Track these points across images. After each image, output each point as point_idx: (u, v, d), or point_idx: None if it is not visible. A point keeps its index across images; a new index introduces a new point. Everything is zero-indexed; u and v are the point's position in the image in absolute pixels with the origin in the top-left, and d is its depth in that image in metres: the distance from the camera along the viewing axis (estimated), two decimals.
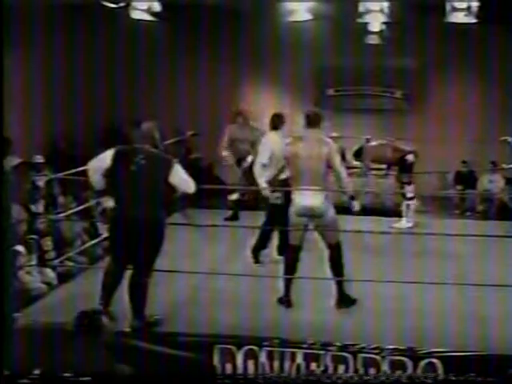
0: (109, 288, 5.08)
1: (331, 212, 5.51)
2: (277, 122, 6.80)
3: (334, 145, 5.59)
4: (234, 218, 8.41)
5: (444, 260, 6.75)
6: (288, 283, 5.60)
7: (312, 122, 5.57)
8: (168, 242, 5.08)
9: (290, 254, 5.65)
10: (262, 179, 6.57)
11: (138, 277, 4.99)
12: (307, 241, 5.72)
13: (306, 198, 5.42)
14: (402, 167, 8.47)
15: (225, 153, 8.53)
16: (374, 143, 9.14)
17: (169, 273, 5.41)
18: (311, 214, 5.47)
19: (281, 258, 6.43)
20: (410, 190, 8.39)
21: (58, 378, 4.31)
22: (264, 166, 6.59)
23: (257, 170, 6.72)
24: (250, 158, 8.12)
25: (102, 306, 5.05)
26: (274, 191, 6.24)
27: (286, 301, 5.57)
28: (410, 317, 5.38)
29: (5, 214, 4.88)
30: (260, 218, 6.93)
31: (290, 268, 5.62)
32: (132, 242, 4.94)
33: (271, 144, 6.62)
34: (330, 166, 5.45)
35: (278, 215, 6.13)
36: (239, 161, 8.43)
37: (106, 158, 4.99)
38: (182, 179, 5.00)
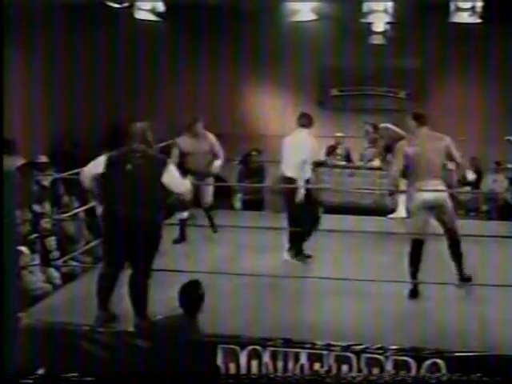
0: (105, 291, 5.07)
1: (449, 200, 5.92)
2: (306, 121, 6.78)
3: (449, 138, 6.05)
4: (182, 239, 7.54)
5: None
6: (414, 273, 5.82)
7: None
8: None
9: (415, 250, 5.82)
10: (304, 174, 6.58)
11: (137, 277, 4.99)
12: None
13: (430, 191, 5.74)
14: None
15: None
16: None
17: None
18: (437, 205, 5.81)
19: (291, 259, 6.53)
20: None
21: (60, 378, 4.33)
22: (305, 161, 6.57)
23: (297, 165, 6.57)
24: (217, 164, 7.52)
25: (101, 310, 5.06)
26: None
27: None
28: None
29: (10, 214, 4.88)
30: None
31: (416, 263, 5.81)
32: (128, 243, 4.94)
33: (309, 141, 6.69)
34: (450, 158, 5.98)
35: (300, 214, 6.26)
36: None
37: (99, 164, 5.02)
38: (174, 179, 5.00)
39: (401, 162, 5.92)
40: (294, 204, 6.52)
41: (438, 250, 6.19)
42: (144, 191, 4.92)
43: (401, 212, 8.43)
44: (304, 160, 6.55)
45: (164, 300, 5.20)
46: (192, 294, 4.47)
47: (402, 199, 8.41)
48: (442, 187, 5.88)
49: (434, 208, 5.84)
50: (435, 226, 6.08)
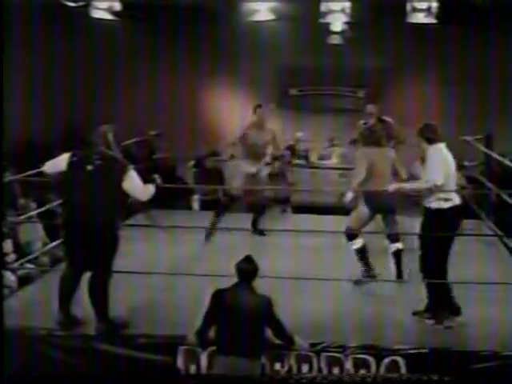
0: (66, 293, 5.02)
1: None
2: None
3: None
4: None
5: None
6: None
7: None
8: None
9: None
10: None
11: (96, 279, 4.95)
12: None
13: None
14: None
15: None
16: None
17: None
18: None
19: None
20: None
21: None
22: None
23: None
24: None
25: (62, 313, 5.00)
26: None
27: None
28: None
29: None
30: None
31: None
32: (85, 244, 4.90)
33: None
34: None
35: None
36: None
37: (61, 161, 4.99)
38: (135, 185, 4.97)
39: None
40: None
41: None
42: (102, 193, 4.89)
43: None
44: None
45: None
46: (248, 266, 4.54)
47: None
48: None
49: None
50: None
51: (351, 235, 6.07)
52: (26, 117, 10.94)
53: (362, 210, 6.07)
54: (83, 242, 4.89)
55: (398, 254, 6.05)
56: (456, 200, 5.25)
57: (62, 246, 5.26)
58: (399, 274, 6.01)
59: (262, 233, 7.77)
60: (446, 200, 5.18)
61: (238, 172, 7.62)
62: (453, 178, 5.29)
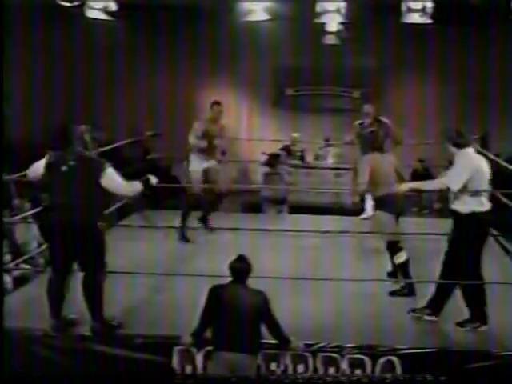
0: (55, 297, 5.01)
1: None
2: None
3: None
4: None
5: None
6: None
7: None
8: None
9: None
10: None
11: (88, 278, 4.94)
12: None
13: None
14: None
15: None
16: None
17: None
18: None
19: None
20: None
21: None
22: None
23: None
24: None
25: (54, 318, 5.00)
26: None
27: None
28: None
29: None
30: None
31: None
32: (67, 246, 4.89)
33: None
34: None
35: None
36: None
37: (39, 166, 5.00)
38: (114, 182, 4.92)
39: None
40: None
41: None
42: (79, 193, 4.87)
43: (369, 211, 8.51)
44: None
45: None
46: (241, 265, 4.56)
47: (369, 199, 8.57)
48: None
49: None
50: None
51: (393, 249, 5.90)
52: (18, 116, 10.93)
53: (383, 218, 5.95)
54: (63, 244, 4.89)
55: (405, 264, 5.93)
56: (486, 205, 5.19)
57: (47, 250, 5.22)
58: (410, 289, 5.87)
59: (211, 228, 7.64)
60: (477, 204, 5.13)
61: (194, 168, 7.56)
62: (484, 181, 5.19)
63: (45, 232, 5.04)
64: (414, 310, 5.41)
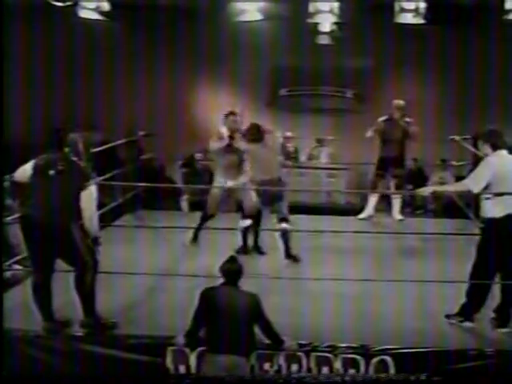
0: (41, 299, 5.01)
1: None
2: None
3: None
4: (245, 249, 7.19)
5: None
6: None
7: None
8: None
9: None
10: None
11: (79, 277, 4.95)
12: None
13: None
14: None
15: None
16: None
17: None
18: None
19: None
20: None
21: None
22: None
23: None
24: None
25: (46, 321, 5.00)
26: None
27: None
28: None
29: None
30: None
31: None
32: (51, 247, 4.90)
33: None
34: None
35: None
36: None
37: (26, 168, 5.02)
38: (86, 203, 4.88)
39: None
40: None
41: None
42: (61, 197, 4.87)
43: (369, 211, 8.81)
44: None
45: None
46: (232, 267, 4.55)
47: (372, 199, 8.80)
48: None
49: None
50: None
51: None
52: (13, 115, 10.89)
53: None
54: (46, 245, 4.90)
55: None
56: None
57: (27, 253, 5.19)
58: None
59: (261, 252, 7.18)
60: (502, 208, 5.03)
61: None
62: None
63: (27, 233, 5.01)
64: (448, 316, 5.32)
